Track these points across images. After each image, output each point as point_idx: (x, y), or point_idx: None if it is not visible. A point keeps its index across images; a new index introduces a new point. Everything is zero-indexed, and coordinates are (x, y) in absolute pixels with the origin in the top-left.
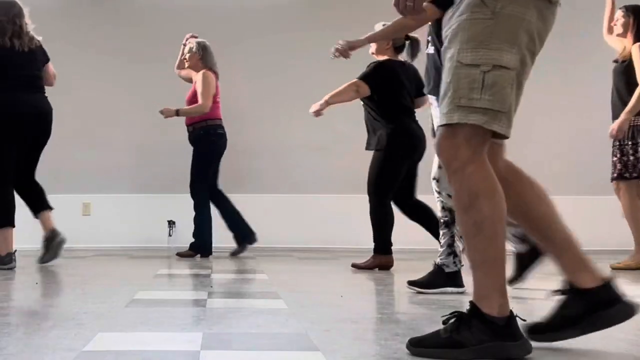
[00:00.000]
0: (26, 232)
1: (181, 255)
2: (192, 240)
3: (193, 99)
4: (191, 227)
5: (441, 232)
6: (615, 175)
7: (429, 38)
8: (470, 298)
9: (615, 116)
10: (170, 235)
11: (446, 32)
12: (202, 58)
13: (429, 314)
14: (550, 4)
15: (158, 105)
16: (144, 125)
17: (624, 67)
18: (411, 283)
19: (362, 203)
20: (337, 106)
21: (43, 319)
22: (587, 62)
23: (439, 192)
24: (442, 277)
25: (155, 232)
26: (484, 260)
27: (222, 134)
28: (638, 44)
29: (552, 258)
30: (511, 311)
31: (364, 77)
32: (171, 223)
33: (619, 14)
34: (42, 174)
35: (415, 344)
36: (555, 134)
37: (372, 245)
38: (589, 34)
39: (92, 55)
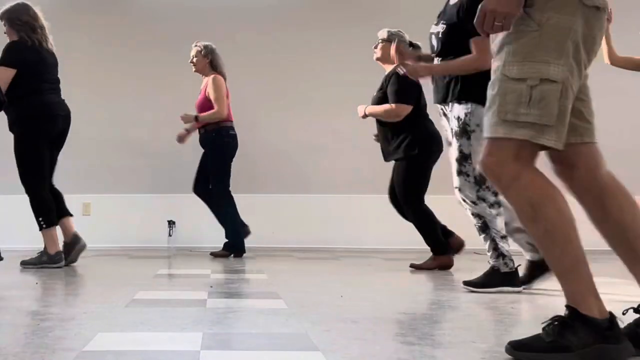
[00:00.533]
0: (27, 232)
1: (215, 255)
2: (225, 240)
3: (204, 103)
4: (191, 227)
5: (482, 237)
6: None
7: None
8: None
9: None
10: (170, 235)
11: (494, 45)
12: (211, 61)
13: (429, 314)
14: (597, 10)
15: (159, 105)
16: (144, 125)
17: None
18: (466, 283)
19: (362, 203)
20: (337, 106)
21: (43, 319)
22: None
23: (463, 200)
24: (497, 278)
25: (155, 232)
26: (566, 267)
27: (234, 135)
28: None
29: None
30: (611, 313)
31: (400, 98)
32: (171, 223)
33: None
34: None
35: (518, 348)
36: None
37: (372, 245)
38: None
39: (93, 56)
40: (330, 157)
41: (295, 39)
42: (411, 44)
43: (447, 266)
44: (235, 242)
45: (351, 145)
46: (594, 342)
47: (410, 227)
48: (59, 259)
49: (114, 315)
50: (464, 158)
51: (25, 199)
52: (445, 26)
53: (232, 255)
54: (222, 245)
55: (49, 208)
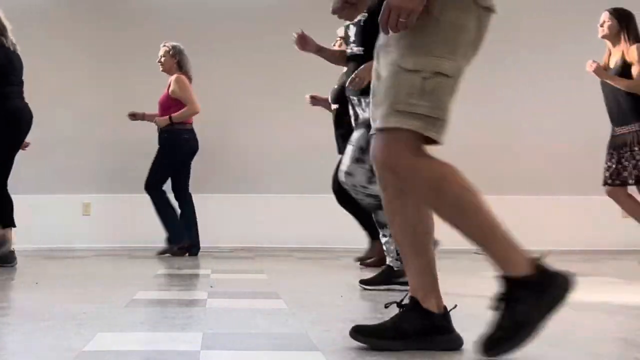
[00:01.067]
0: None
1: (173, 254)
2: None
3: (166, 102)
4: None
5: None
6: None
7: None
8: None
9: (612, 120)
10: None
11: (384, 39)
12: (179, 62)
13: None
14: (488, 11)
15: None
16: (144, 125)
17: (620, 70)
18: (362, 282)
19: None
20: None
21: (43, 319)
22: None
23: (354, 186)
24: (390, 275)
25: (155, 232)
26: (485, 234)
27: (187, 139)
28: (637, 44)
29: (413, 272)
30: (537, 258)
31: None
32: None
33: (605, 16)
34: (43, 174)
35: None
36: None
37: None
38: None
39: (92, 57)
40: (330, 157)
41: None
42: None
43: None
44: (175, 238)
45: None
46: (540, 296)
47: None
48: (13, 258)
49: (114, 315)
50: (363, 151)
51: (24, 199)
52: (366, 14)
53: (176, 249)
54: (223, 245)
55: (9, 209)
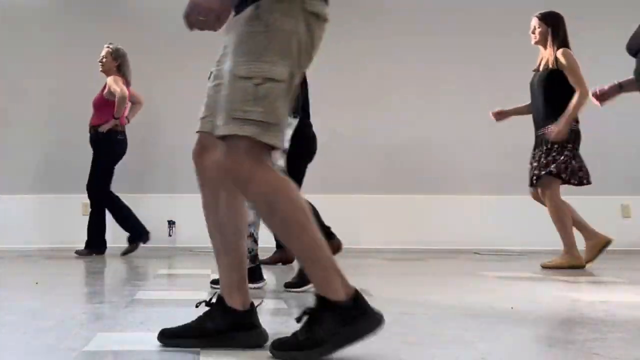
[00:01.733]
0: (27, 232)
1: (125, 252)
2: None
3: (100, 102)
4: (191, 227)
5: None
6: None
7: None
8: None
9: (536, 122)
10: (170, 235)
11: (226, 42)
12: (119, 65)
13: (430, 314)
14: (317, 19)
15: (159, 105)
16: (144, 125)
17: (546, 75)
18: (286, 285)
19: (362, 203)
20: (337, 106)
21: (43, 319)
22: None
23: None
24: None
25: (155, 232)
26: (307, 255)
27: (122, 140)
28: (563, 50)
29: (222, 270)
30: (356, 290)
31: None
32: (171, 223)
33: (534, 22)
34: (43, 174)
35: (278, 347)
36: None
37: (371, 245)
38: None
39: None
40: (330, 157)
41: None
42: None
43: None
44: (134, 232)
45: (351, 145)
46: (344, 324)
47: (409, 227)
48: None
49: (114, 315)
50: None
51: (24, 199)
52: None
53: (139, 243)
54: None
55: None
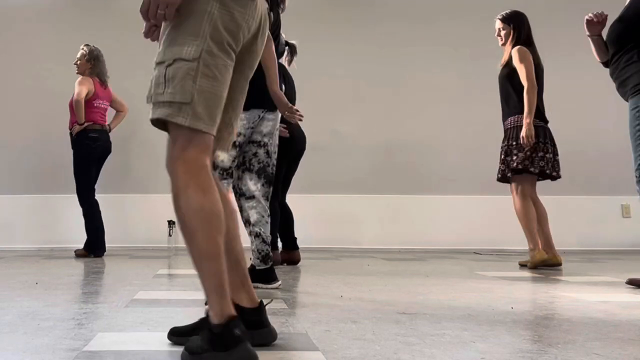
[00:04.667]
0: (27, 232)
1: (77, 254)
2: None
3: (70, 103)
4: None
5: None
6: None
7: None
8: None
9: (504, 117)
10: (170, 235)
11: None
12: (93, 67)
13: (430, 314)
14: None
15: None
16: (144, 125)
17: (506, 73)
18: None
19: (362, 203)
20: (337, 106)
21: (43, 319)
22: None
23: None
24: (253, 275)
25: (155, 232)
26: (196, 260)
27: (96, 138)
28: (517, 47)
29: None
30: (234, 317)
31: None
32: (171, 223)
33: (498, 24)
34: (43, 174)
35: (190, 351)
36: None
37: (372, 245)
38: None
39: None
40: (330, 157)
41: (294, 38)
42: (287, 43)
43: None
44: (92, 241)
45: (351, 145)
46: (213, 347)
47: (409, 227)
48: None
49: (114, 315)
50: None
51: (25, 199)
52: None
53: (92, 255)
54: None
55: None
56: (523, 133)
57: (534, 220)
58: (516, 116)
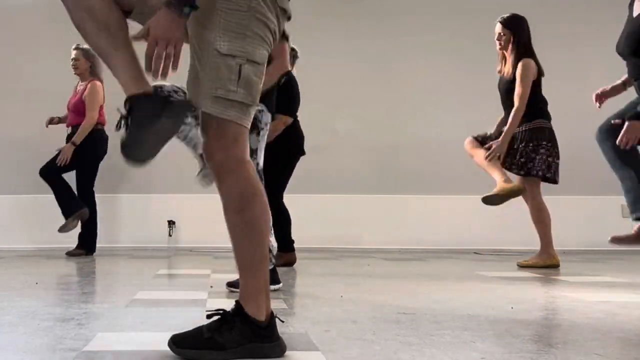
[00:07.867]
0: (27, 232)
1: (70, 254)
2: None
3: (79, 105)
4: (191, 227)
5: None
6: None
7: None
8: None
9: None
10: (170, 235)
11: (202, 12)
12: (92, 66)
13: (430, 314)
14: (284, 13)
15: None
16: None
17: (510, 83)
18: (229, 284)
19: (362, 203)
20: (337, 106)
21: (43, 319)
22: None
23: None
24: None
25: (155, 232)
26: (252, 263)
27: (107, 138)
28: (523, 62)
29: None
30: (272, 312)
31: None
32: (171, 223)
33: (499, 28)
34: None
35: (178, 343)
36: None
37: (372, 245)
38: None
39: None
40: (330, 157)
41: (293, 38)
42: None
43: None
44: (88, 240)
45: (351, 145)
46: (249, 341)
47: (409, 227)
48: None
49: (114, 315)
50: (250, 152)
51: (24, 199)
52: None
53: (90, 253)
54: (223, 245)
55: None
56: (498, 145)
57: (549, 220)
58: (529, 123)
